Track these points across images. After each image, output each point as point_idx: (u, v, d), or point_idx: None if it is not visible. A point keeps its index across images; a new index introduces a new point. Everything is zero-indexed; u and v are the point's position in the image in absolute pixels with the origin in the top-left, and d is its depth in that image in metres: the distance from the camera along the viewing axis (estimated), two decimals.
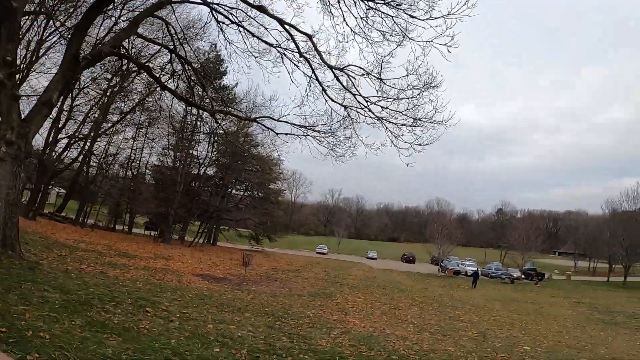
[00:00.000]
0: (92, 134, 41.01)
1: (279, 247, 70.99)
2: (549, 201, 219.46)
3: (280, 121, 14.98)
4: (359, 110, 12.02)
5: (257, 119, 19.42)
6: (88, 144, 41.80)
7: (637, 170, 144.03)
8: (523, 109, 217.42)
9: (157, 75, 20.84)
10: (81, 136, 40.73)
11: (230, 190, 54.76)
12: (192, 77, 17.45)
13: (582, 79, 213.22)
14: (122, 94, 43.00)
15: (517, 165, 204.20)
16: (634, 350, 16.20)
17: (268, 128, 16.98)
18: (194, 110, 44.48)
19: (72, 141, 40.27)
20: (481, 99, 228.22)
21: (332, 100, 12.01)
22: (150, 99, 44.36)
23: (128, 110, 44.64)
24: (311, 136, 13.97)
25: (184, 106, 43.23)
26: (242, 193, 56.39)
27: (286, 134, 15.69)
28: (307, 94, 12.70)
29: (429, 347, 12.56)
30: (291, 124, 14.17)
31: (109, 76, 39.65)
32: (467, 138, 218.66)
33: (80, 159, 42.98)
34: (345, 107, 12.05)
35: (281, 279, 27.80)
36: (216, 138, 49.91)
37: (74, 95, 38.68)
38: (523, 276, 53.88)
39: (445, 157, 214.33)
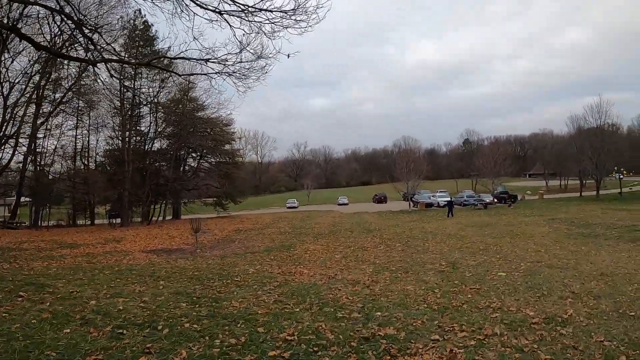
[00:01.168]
0: (22, 131, 37.59)
1: (248, 209, 69.28)
2: (514, 127, 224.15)
3: (177, 58, 12.17)
4: (236, 15, 9.17)
5: (151, 62, 16.98)
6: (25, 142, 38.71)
7: (599, 90, 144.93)
8: (480, 39, 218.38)
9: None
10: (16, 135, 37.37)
11: (184, 160, 52.02)
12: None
13: (535, 4, 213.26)
14: (53, 82, 39.92)
15: (480, 96, 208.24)
16: (620, 263, 14.51)
17: (165, 69, 13.95)
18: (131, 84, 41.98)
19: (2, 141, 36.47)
20: (439, 36, 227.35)
21: (203, 6, 9.06)
22: (85, 83, 41.85)
23: (62, 96, 41.67)
24: (220, 73, 11.17)
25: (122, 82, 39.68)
26: (197, 161, 53.52)
27: (190, 74, 12.85)
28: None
29: (382, 290, 10.58)
30: (188, 58, 11.32)
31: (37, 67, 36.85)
32: (429, 76, 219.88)
33: (20, 159, 40.87)
34: (220, 13, 9.16)
35: (241, 239, 25.52)
36: (158, 108, 47.42)
37: (5, 94, 35.91)
38: (496, 200, 52.96)
39: (410, 97, 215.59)
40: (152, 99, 46.42)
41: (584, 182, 68.14)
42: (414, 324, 7.31)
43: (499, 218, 34.74)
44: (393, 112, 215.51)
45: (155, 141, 49.14)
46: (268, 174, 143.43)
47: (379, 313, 8.15)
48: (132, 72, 41.80)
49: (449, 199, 53.33)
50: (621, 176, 70.18)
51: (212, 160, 54.70)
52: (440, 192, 65.58)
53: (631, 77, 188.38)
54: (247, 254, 18.70)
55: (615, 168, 65.58)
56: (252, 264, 15.56)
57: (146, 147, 48.27)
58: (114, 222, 43.97)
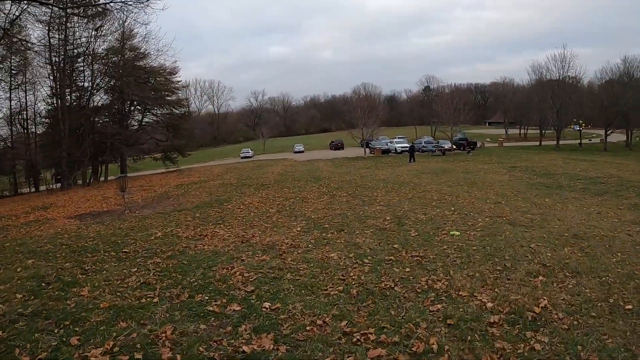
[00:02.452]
0: None
1: (203, 161, 66.27)
2: (476, 76, 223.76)
3: None
4: None
5: None
6: None
7: (560, 42, 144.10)
8: None
9: None
10: None
11: (128, 114, 48.16)
12: None
13: None
14: None
15: (441, 43, 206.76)
16: (593, 222, 12.50)
17: None
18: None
19: None
20: None
21: None
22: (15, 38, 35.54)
23: None
24: None
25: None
26: (141, 115, 49.33)
27: None
28: None
29: (296, 260, 8.26)
30: None
31: None
32: (390, 23, 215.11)
33: None
34: None
35: (178, 194, 22.39)
36: (95, 59, 42.66)
37: None
38: (455, 147, 51.18)
39: (371, 44, 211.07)
40: (85, 49, 41.24)
41: (544, 131, 67.41)
42: (309, 328, 4.66)
43: (457, 165, 32.69)
44: (353, 59, 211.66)
45: (95, 96, 44.44)
46: (226, 125, 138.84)
47: (268, 304, 5.58)
48: (61, 21, 36.83)
49: (407, 144, 51.64)
50: (579, 128, 69.88)
51: (158, 112, 50.39)
52: (398, 138, 63.45)
53: (593, 34, 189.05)
54: (173, 212, 15.77)
55: (575, 120, 64.95)
56: (168, 225, 12.73)
57: (87, 103, 43.42)
58: (52, 187, 40.07)
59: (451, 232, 10.21)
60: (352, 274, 7.12)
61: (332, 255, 8.50)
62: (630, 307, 5.65)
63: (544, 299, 5.72)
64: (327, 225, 11.76)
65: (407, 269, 7.29)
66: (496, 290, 6.12)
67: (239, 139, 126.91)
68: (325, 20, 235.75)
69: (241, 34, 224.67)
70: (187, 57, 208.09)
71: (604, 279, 6.81)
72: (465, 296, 5.87)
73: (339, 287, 6.44)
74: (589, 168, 29.17)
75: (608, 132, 57.07)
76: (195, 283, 6.74)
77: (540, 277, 6.71)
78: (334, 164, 39.84)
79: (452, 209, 14.04)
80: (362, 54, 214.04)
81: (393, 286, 6.42)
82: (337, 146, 69.98)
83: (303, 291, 6.32)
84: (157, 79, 47.87)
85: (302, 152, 69.66)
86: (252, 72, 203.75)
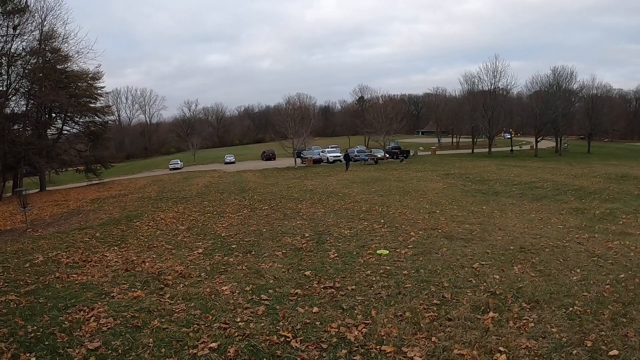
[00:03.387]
0: None
1: (131, 173, 63.54)
2: (409, 87, 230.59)
3: None
4: None
5: None
6: None
7: (493, 55, 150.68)
8: (382, 0, 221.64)
9: None
10: None
11: (46, 122, 43.37)
12: None
13: None
14: None
15: (378, 56, 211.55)
16: (537, 229, 11.44)
17: None
18: None
19: None
20: None
21: None
22: None
23: None
24: None
25: None
26: (61, 122, 45.05)
27: None
28: None
29: (180, 293, 6.55)
30: None
31: None
32: (327, 33, 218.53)
33: None
34: None
35: (89, 210, 19.74)
36: (11, 60, 37.87)
37: None
38: (387, 155, 50.55)
39: (309, 55, 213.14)
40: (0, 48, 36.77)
41: (476, 140, 68.74)
42: None
43: (390, 174, 31.58)
44: (291, 69, 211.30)
45: (10, 102, 39.65)
46: (157, 135, 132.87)
47: None
48: None
49: (339, 154, 50.63)
50: (509, 136, 72.10)
51: (80, 120, 46.07)
52: (331, 147, 62.40)
53: (522, 47, 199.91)
54: (74, 231, 13.41)
55: (505, 128, 66.86)
56: (57, 247, 10.44)
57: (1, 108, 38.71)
58: None
59: (378, 251, 8.47)
60: (239, 319, 5.18)
61: (225, 288, 6.57)
62: (615, 352, 4.06)
63: (501, 352, 4.00)
64: (234, 246, 9.88)
65: (315, 309, 5.42)
66: (434, 339, 4.35)
67: (170, 150, 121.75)
68: (266, 30, 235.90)
69: (181, 41, 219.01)
70: (124, 63, 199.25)
71: (570, 309, 5.25)
72: (389, 353, 4.05)
73: (214, 343, 4.47)
74: (523, 173, 28.91)
75: (538, 139, 58.79)
76: (33, 334, 4.73)
77: (491, 314, 5.03)
78: (263, 175, 37.81)
79: (382, 221, 12.44)
80: (300, 64, 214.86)
81: (290, 339, 4.52)
82: (269, 156, 68.07)
83: (163, 349, 4.34)
84: (79, 84, 43.86)
85: (233, 162, 67.44)
86: (191, 81, 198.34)
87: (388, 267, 7.24)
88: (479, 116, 60.79)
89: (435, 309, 5.29)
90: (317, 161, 50.88)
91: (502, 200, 17.49)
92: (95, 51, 49.32)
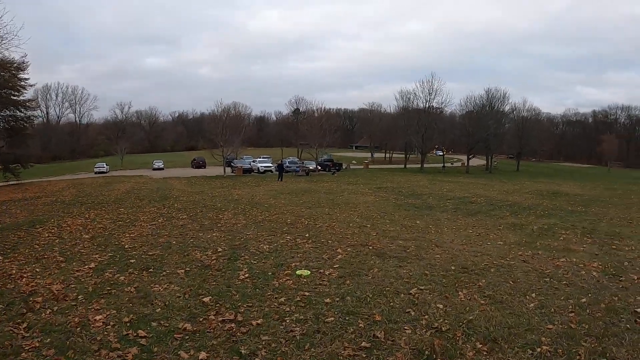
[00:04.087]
0: None
1: (56, 174, 58.52)
2: (345, 102, 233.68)
3: None
4: None
5: None
6: None
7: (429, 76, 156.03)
8: (327, 16, 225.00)
9: None
10: None
11: None
12: None
13: None
14: None
15: (318, 70, 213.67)
16: (477, 246, 10.51)
17: None
18: None
19: None
20: (287, 6, 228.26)
21: None
22: None
23: None
24: None
25: None
26: None
27: None
28: None
29: (33, 325, 4.44)
30: None
31: None
32: (269, 44, 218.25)
33: None
34: None
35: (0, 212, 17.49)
36: None
37: None
38: (319, 168, 49.62)
39: (249, 64, 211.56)
40: None
41: (408, 155, 69.53)
42: None
43: (321, 185, 30.41)
44: (230, 78, 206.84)
45: None
46: (87, 136, 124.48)
47: None
48: None
49: (270, 164, 49.22)
50: (441, 153, 73.61)
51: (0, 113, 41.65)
52: (262, 157, 60.82)
53: (457, 70, 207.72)
54: None
55: (437, 145, 68.10)
56: None
57: None
58: None
59: (297, 272, 7.08)
60: None
61: (98, 318, 5.15)
62: None
63: None
64: (133, 260, 8.37)
65: (203, 355, 3.91)
66: None
67: (99, 153, 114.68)
68: (208, 36, 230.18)
69: (121, 40, 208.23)
70: (59, 58, 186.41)
71: (537, 349, 4.10)
72: None
73: None
74: (455, 188, 28.66)
75: (470, 157, 60.11)
76: None
77: None
78: (189, 183, 35.57)
79: (307, 235, 11.09)
80: (240, 73, 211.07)
81: None
82: (199, 164, 65.45)
83: None
84: (1, 73, 39.46)
85: (161, 169, 64.27)
86: (126, 83, 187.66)
87: (307, 293, 5.87)
88: (412, 132, 61.38)
89: (364, 355, 3.92)
90: (248, 171, 49.04)
91: (437, 214, 16.65)
92: (20, 38, 45.06)
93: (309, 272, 7.07)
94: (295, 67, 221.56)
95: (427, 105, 63.06)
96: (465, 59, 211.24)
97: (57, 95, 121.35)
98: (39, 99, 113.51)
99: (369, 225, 13.19)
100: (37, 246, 10.04)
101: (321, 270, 7.21)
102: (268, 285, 6.39)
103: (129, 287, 6.35)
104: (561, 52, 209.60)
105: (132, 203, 19.88)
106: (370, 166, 63.41)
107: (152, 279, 6.94)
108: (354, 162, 69.91)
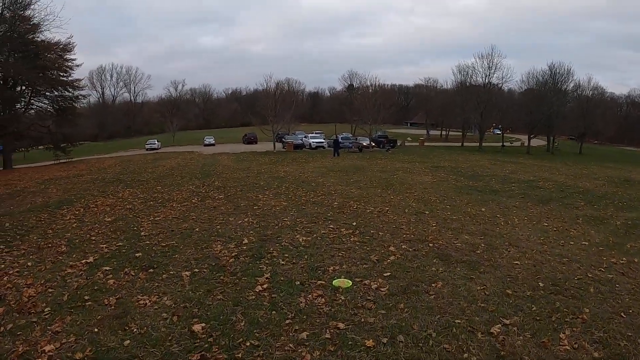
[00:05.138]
0: None
1: (110, 152, 59.33)
2: (400, 78, 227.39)
3: None
4: None
5: None
6: None
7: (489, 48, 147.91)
8: None
9: None
10: None
11: (11, 96, 39.45)
12: None
13: None
14: None
15: (371, 45, 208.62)
16: (558, 246, 8.55)
17: None
18: None
19: None
20: None
21: None
22: None
23: None
24: None
25: None
26: (27, 97, 41.22)
27: None
28: None
29: None
30: None
31: None
32: (322, 20, 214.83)
33: None
34: None
35: (32, 192, 17.05)
36: None
37: None
38: (373, 144, 47.31)
39: (302, 40, 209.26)
40: None
41: (465, 133, 65.85)
42: None
43: (373, 163, 28.35)
44: (284, 55, 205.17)
45: None
46: (142, 115, 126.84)
47: None
48: None
49: (322, 140, 47.49)
50: (499, 131, 69.32)
51: (47, 93, 42.10)
52: (315, 133, 59.02)
53: (514, 46, 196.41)
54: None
55: (494, 123, 64.05)
56: None
57: None
58: None
59: (334, 282, 5.30)
60: None
61: (48, 349, 3.74)
62: None
63: None
64: (140, 254, 6.98)
65: None
66: None
67: (154, 130, 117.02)
68: (261, 14, 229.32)
69: (176, 20, 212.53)
70: (116, 41, 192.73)
71: None
72: None
73: None
74: (518, 170, 25.94)
75: (531, 137, 56.05)
76: None
77: None
78: (238, 159, 34.46)
79: (354, 224, 9.27)
80: (293, 50, 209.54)
81: None
82: (250, 140, 64.31)
83: None
84: (48, 55, 40.15)
85: (212, 145, 63.84)
86: (181, 62, 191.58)
87: (341, 325, 4.08)
88: (471, 109, 57.71)
89: None
90: (299, 146, 47.46)
91: (503, 200, 14.40)
92: (62, 19, 45.14)
93: (350, 284, 5.29)
94: (348, 43, 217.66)
95: (486, 81, 59.06)
96: (521, 35, 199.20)
97: (111, 76, 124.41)
98: (94, 80, 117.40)
99: (427, 212, 11.23)
100: (50, 231, 8.92)
101: (367, 281, 5.41)
102: (291, 304, 4.66)
103: (111, 298, 4.87)
104: (624, 29, 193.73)
105: (172, 180, 18.78)
106: (425, 144, 60.35)
107: (147, 284, 5.45)
108: (409, 139, 66.93)
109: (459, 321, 4.26)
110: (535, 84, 59.14)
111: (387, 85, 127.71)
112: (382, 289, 5.11)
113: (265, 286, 5.20)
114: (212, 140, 66.34)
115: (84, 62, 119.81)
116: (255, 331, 4.00)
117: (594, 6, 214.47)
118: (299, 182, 17.61)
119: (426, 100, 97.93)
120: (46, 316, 4.39)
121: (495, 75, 58.37)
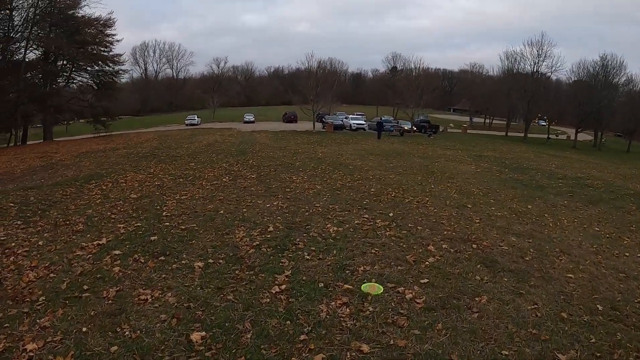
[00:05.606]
0: None
1: (151, 126, 60.74)
2: (444, 63, 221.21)
3: None
4: None
5: None
6: None
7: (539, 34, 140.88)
8: None
9: None
10: None
11: (55, 71, 40.52)
12: None
13: None
14: None
15: (416, 28, 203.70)
16: (612, 257, 7.81)
17: None
18: None
19: None
20: None
21: None
22: None
23: None
24: None
25: None
26: (68, 72, 42.12)
27: None
28: None
29: None
30: None
31: None
32: (367, 1, 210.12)
33: None
34: None
35: (67, 165, 17.07)
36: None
37: None
38: (415, 129, 45.95)
39: (346, 20, 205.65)
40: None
41: (510, 123, 63.26)
42: None
43: (415, 148, 27.31)
44: (327, 35, 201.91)
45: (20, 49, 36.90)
46: (184, 91, 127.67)
47: None
48: None
49: (363, 122, 46.52)
50: (544, 123, 66.32)
51: (88, 68, 42.97)
52: (356, 114, 57.85)
53: (564, 34, 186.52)
54: (16, 190, 10.97)
55: (539, 115, 61.24)
56: None
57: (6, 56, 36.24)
58: None
59: (364, 286, 4.65)
60: None
61: (30, 347, 3.33)
62: None
63: None
64: (155, 237, 6.48)
65: None
66: None
67: (196, 106, 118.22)
68: None
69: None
70: (158, 18, 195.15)
71: None
72: None
73: None
74: (565, 165, 24.41)
75: (579, 130, 53.30)
76: None
77: None
78: (276, 137, 33.98)
79: (391, 214, 8.58)
80: (336, 30, 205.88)
81: None
82: (290, 119, 63.63)
83: None
84: (88, 30, 40.80)
85: (252, 122, 63.47)
86: (223, 40, 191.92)
87: (365, 348, 3.44)
88: (517, 97, 55.18)
89: None
90: (339, 127, 46.49)
91: (550, 198, 13.35)
92: None
93: (381, 290, 4.63)
94: (393, 25, 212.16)
95: (535, 69, 56.21)
96: (573, 23, 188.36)
97: (154, 52, 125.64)
98: (137, 56, 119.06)
99: (470, 206, 10.41)
100: (73, 207, 8.66)
101: (400, 288, 4.74)
102: (310, 313, 4.04)
103: (111, 289, 4.40)
104: None
105: (206, 157, 18.46)
106: (468, 131, 58.38)
107: (153, 275, 4.96)
108: (451, 125, 64.95)
109: (507, 353, 3.55)
110: (585, 75, 55.95)
111: (431, 69, 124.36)
112: (417, 300, 4.43)
113: (283, 287, 4.60)
114: (251, 118, 66.00)
115: (127, 38, 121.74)
116: (262, 347, 3.41)
117: None
118: (336, 165, 16.96)
119: (471, 86, 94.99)
120: (39, 307, 3.97)
121: (544, 63, 55.54)
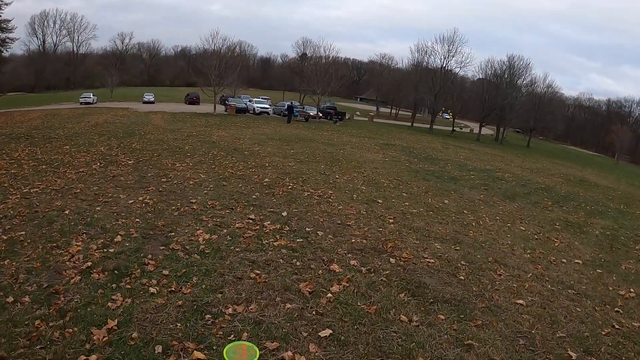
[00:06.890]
0: None
1: (42, 104, 53.69)
2: (354, 54, 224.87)
3: None
4: None
5: None
6: None
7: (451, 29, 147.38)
8: None
9: None
10: None
11: None
12: None
13: None
14: None
15: (331, 18, 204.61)
16: (552, 267, 6.62)
17: None
18: None
19: None
20: None
21: None
22: None
23: None
24: None
25: None
26: None
27: None
28: None
29: None
30: None
31: None
32: None
33: None
34: None
35: None
36: None
37: None
38: (321, 115, 44.81)
39: (258, 4, 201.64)
40: None
41: (416, 114, 64.52)
42: None
43: (320, 134, 25.77)
44: (240, 16, 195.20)
45: None
46: (84, 67, 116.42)
47: None
48: None
49: (267, 106, 44.76)
50: (447, 116, 68.78)
51: None
52: (261, 98, 55.69)
53: (474, 36, 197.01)
54: None
55: (443, 108, 63.40)
56: None
57: None
58: None
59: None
60: None
61: None
62: None
63: None
64: None
65: None
66: None
67: (95, 84, 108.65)
68: None
69: None
70: None
71: None
72: None
73: None
74: (472, 157, 24.28)
75: (482, 125, 55.71)
76: None
77: None
78: (173, 119, 30.97)
79: (284, 214, 6.82)
80: (250, 13, 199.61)
81: None
82: (192, 100, 60.17)
83: None
84: None
85: (152, 102, 59.09)
86: (131, 15, 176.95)
87: None
88: (426, 89, 56.15)
89: None
90: (242, 110, 44.02)
91: (465, 192, 12.35)
92: None
93: (256, 357, 2.75)
94: (307, 13, 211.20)
95: (444, 63, 57.55)
96: (482, 26, 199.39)
97: (54, 23, 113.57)
98: (36, 26, 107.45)
99: (380, 201, 8.91)
100: None
101: (288, 353, 2.89)
102: None
103: None
104: (580, 37, 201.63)
105: (86, 139, 15.66)
106: (375, 120, 58.49)
107: None
108: (357, 113, 64.82)
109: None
110: (492, 73, 58.47)
111: (341, 58, 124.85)
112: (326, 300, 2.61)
113: (92, 357, 2.57)
114: (151, 98, 61.67)
115: (26, 5, 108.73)
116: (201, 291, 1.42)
117: (555, 9, 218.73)
118: (230, 150, 14.89)
119: (379, 77, 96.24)
120: None
121: (454, 59, 57.02)
